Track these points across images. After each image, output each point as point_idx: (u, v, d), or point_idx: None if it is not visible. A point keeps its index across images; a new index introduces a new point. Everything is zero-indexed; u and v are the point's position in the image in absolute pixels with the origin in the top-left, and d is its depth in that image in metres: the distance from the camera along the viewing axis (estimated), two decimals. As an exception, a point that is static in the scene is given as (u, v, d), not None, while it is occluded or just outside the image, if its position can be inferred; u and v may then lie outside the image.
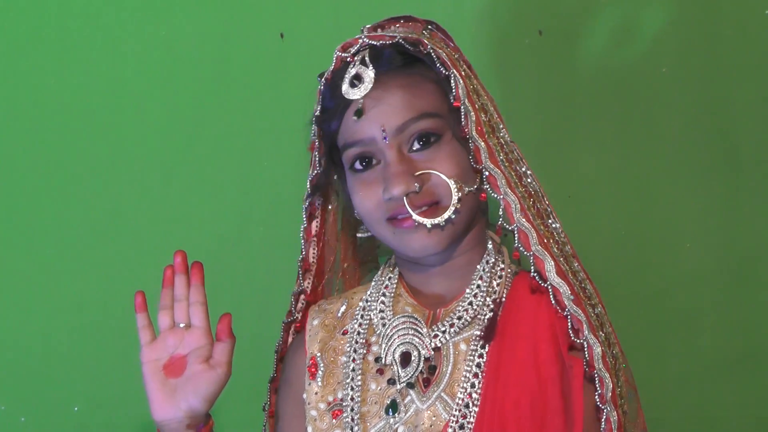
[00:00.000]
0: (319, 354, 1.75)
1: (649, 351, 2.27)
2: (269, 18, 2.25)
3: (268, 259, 2.06)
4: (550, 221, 1.70)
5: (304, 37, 2.21)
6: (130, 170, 2.25)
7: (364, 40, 1.68)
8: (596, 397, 1.60)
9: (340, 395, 1.70)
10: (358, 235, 1.77)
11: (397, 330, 1.67)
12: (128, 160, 2.25)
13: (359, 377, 1.69)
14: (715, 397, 2.27)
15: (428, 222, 1.62)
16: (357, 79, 1.66)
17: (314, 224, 1.84)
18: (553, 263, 1.63)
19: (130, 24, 2.24)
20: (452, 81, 1.64)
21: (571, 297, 1.62)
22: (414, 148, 1.64)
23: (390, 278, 1.77)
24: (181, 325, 1.66)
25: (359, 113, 1.64)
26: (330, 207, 1.85)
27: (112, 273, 2.23)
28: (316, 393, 1.72)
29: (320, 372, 1.73)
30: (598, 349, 1.61)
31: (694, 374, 2.28)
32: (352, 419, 1.66)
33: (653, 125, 2.27)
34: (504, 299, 1.69)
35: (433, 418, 1.63)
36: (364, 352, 1.71)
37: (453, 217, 1.63)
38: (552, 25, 2.26)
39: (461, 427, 1.61)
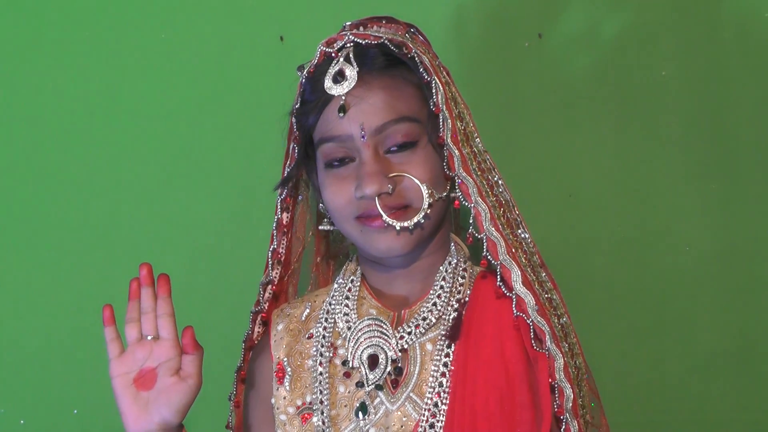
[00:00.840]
0: (285, 359, 1.76)
1: (647, 352, 2.27)
2: (269, 21, 2.24)
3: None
4: (519, 231, 1.71)
5: (304, 40, 2.17)
6: (129, 173, 2.25)
7: (350, 37, 1.69)
8: (554, 407, 1.61)
9: (308, 399, 1.71)
10: (320, 227, 1.79)
11: (363, 333, 1.69)
12: (127, 163, 2.25)
13: (327, 381, 1.70)
14: (714, 399, 2.26)
15: (398, 224, 1.63)
16: (340, 75, 1.66)
17: (285, 216, 1.85)
18: (519, 273, 1.64)
19: (129, 27, 2.24)
20: (433, 87, 1.65)
21: (536, 307, 1.63)
22: (390, 150, 1.65)
23: (353, 280, 1.78)
24: (149, 338, 1.66)
25: (343, 109, 1.64)
26: (299, 199, 1.87)
27: (111, 275, 2.23)
28: (284, 397, 1.74)
29: (287, 376, 1.74)
30: (560, 360, 1.63)
31: (693, 376, 2.27)
32: (323, 422, 1.68)
33: (653, 127, 2.25)
34: (467, 299, 1.70)
35: (404, 419, 1.64)
36: (330, 355, 1.72)
37: (422, 221, 1.65)
38: (552, 28, 2.26)
39: (431, 426, 1.62)
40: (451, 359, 1.65)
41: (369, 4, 2.09)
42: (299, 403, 1.72)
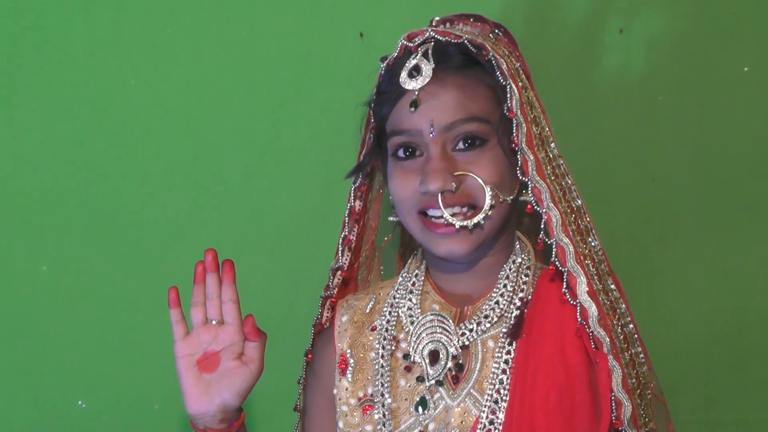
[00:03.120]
0: (348, 350, 1.78)
1: (727, 351, 2.28)
2: (348, 17, 2.26)
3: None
4: (589, 239, 1.71)
5: (383, 36, 2.19)
6: (210, 170, 2.28)
7: (430, 33, 1.70)
8: (612, 418, 1.59)
9: (370, 391, 1.73)
10: (390, 219, 1.81)
11: (426, 328, 1.70)
12: (209, 159, 2.28)
13: (388, 373, 1.72)
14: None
15: (458, 223, 1.64)
16: (416, 70, 1.68)
17: (358, 204, 1.87)
18: (585, 281, 1.64)
19: (211, 25, 2.27)
20: (508, 92, 1.66)
21: (598, 317, 1.62)
22: (458, 148, 1.67)
23: (417, 275, 1.79)
24: (214, 322, 1.69)
25: (414, 104, 1.66)
26: (374, 190, 1.89)
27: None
28: (346, 389, 1.76)
29: (350, 368, 1.76)
30: (618, 372, 1.61)
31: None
32: (384, 415, 1.70)
33: (735, 124, 2.26)
34: (530, 298, 1.70)
35: (464, 415, 1.65)
36: (392, 348, 1.74)
37: (482, 222, 1.65)
38: (633, 23, 2.24)
39: (491, 422, 1.63)
40: (512, 356, 1.66)
41: (446, 1, 2.09)
42: (361, 394, 1.74)
